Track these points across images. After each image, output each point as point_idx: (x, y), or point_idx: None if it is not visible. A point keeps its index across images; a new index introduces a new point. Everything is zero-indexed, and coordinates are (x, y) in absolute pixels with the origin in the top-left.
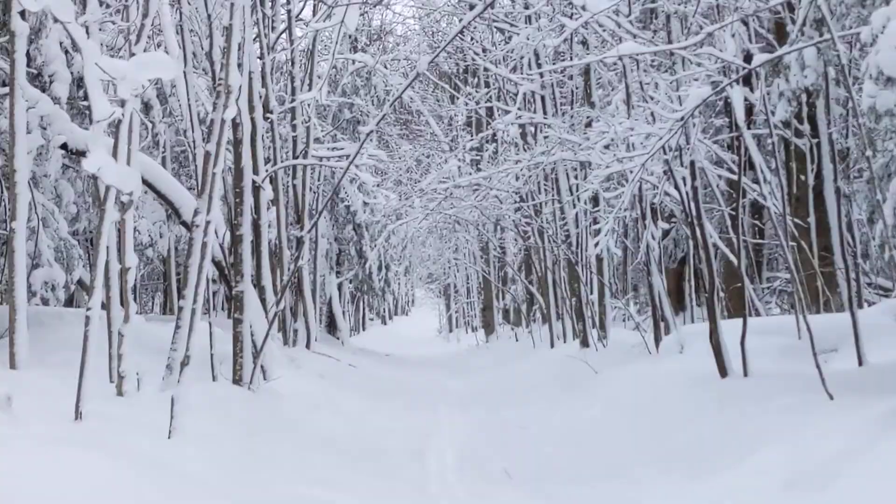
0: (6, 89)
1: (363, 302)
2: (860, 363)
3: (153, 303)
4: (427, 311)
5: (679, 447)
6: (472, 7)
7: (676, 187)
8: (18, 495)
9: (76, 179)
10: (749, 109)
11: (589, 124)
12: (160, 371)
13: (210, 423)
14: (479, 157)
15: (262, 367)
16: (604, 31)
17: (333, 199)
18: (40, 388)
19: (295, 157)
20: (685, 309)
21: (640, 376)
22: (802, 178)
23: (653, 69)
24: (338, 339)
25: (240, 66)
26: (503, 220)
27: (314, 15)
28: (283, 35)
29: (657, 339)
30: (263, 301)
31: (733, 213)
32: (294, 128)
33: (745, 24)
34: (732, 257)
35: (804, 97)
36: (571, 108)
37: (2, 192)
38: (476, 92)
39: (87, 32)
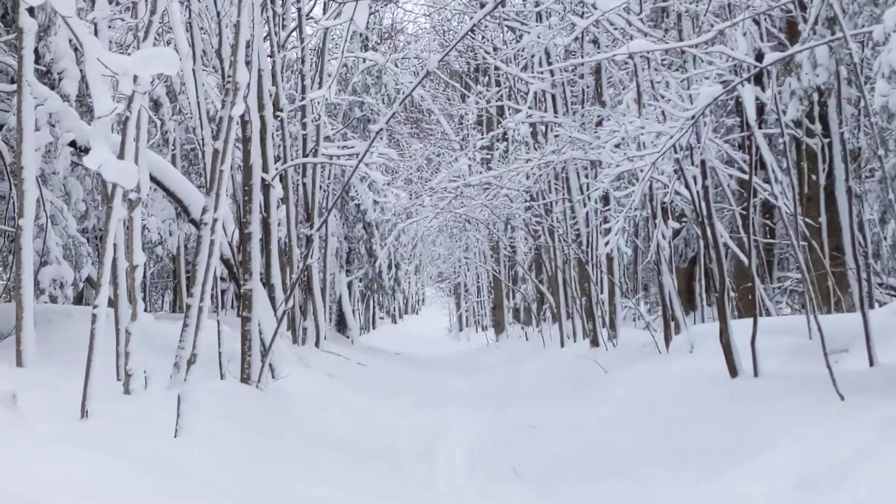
0: (15, 86)
1: (373, 301)
2: (871, 363)
3: (163, 301)
4: (437, 310)
5: (688, 447)
6: (482, 5)
7: (687, 186)
8: (21, 495)
9: (85, 177)
10: (760, 109)
11: (599, 123)
12: (168, 369)
13: (217, 421)
14: (489, 156)
15: (270, 365)
16: (615, 29)
17: (343, 197)
18: (47, 385)
19: (305, 156)
20: (695, 309)
21: (650, 376)
22: (814, 177)
23: (664, 68)
24: (347, 337)
25: (249, 63)
26: (513, 219)
27: (324, 13)
28: (294, 33)
29: (667, 339)
30: (273, 299)
31: (744, 212)
32: (304, 126)
33: (757, 22)
34: (743, 257)
35: (816, 96)
36: (582, 108)
37: (10, 189)
38: (487, 91)
39: (96, 30)
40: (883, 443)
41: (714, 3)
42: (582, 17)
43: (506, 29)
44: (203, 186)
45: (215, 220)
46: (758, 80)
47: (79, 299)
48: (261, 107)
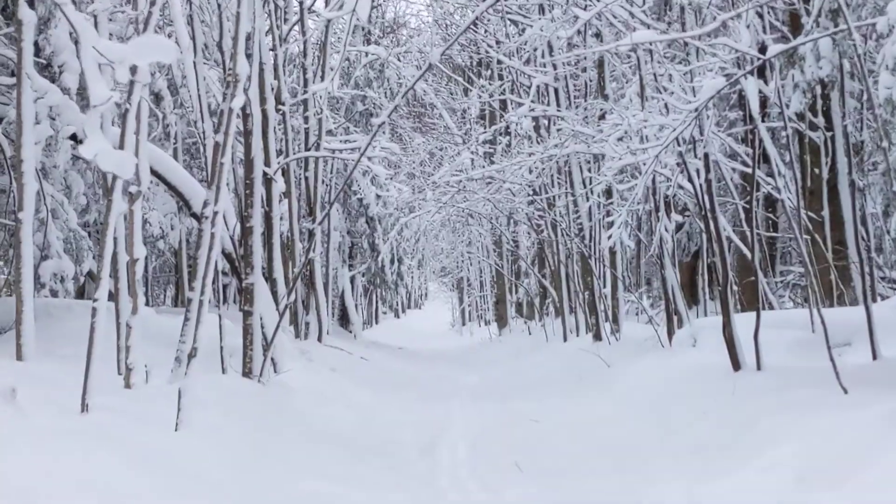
0: (14, 79)
1: (376, 295)
2: (874, 357)
3: (165, 296)
4: (440, 305)
5: (691, 442)
6: None
7: (690, 180)
8: (20, 489)
9: (86, 171)
10: (763, 102)
11: (602, 117)
12: (170, 363)
13: (218, 415)
14: (492, 150)
15: (272, 359)
16: (617, 20)
17: (346, 191)
18: (47, 379)
19: (307, 150)
20: (698, 303)
21: (652, 370)
22: (816, 171)
23: (666, 60)
24: (350, 332)
25: (249, 56)
26: (516, 214)
27: (326, 5)
28: (296, 27)
29: (670, 333)
30: (275, 294)
31: (747, 206)
32: (306, 120)
33: (760, 15)
34: (746, 251)
35: (819, 89)
36: (585, 101)
37: (10, 183)
38: (489, 84)
39: (96, 22)
40: (887, 437)
41: None
42: (585, 9)
43: (508, 22)
44: (205, 180)
45: (216, 213)
46: (760, 73)
47: (80, 293)
48: (262, 100)
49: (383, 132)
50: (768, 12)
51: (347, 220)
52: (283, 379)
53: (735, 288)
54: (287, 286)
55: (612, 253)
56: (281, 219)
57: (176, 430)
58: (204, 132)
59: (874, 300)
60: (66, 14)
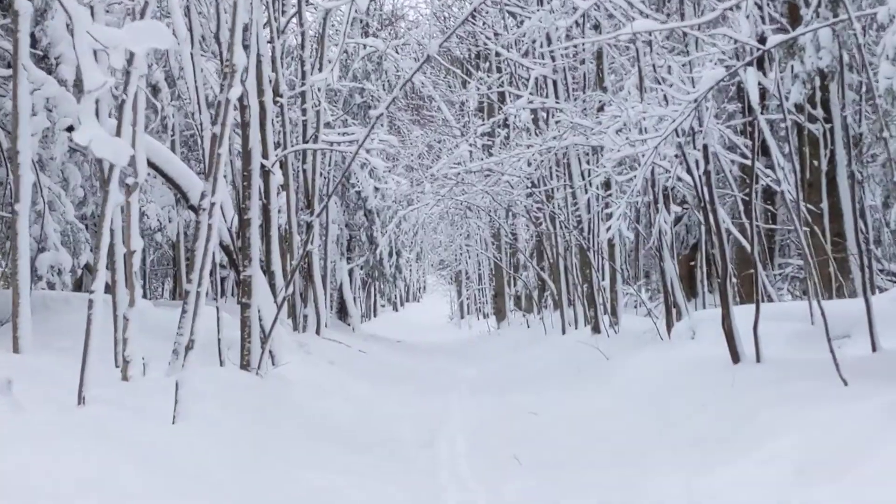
0: (10, 70)
1: (374, 288)
2: (874, 349)
3: (163, 288)
4: (438, 298)
5: (690, 434)
6: None
7: (689, 171)
8: (16, 482)
9: (83, 163)
10: (761, 95)
11: (601, 109)
12: (168, 356)
13: (216, 408)
14: (490, 143)
15: (270, 352)
16: (617, 10)
17: (344, 184)
18: (44, 372)
19: (305, 142)
20: (697, 295)
21: (651, 362)
22: (815, 163)
23: (665, 51)
24: (348, 325)
25: (247, 47)
26: (515, 206)
27: None
28: (294, 19)
29: (669, 326)
30: (273, 286)
31: (746, 198)
32: (304, 112)
33: (759, 6)
34: (745, 243)
35: (818, 81)
36: (584, 93)
37: (7, 175)
38: (488, 77)
39: (93, 12)
40: (887, 429)
41: None
42: None
43: (507, 14)
44: (202, 173)
45: (213, 205)
46: (759, 65)
47: (77, 286)
48: (260, 92)
49: (381, 124)
50: (768, 3)
51: (346, 212)
52: (282, 371)
53: (734, 280)
54: (285, 279)
55: (611, 245)
56: (279, 211)
57: (173, 422)
58: (201, 124)
59: (873, 292)
60: (61, 1)
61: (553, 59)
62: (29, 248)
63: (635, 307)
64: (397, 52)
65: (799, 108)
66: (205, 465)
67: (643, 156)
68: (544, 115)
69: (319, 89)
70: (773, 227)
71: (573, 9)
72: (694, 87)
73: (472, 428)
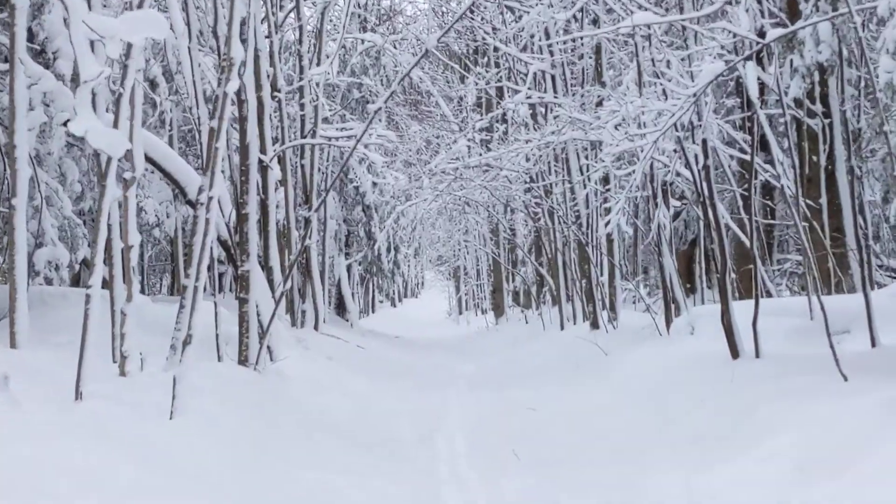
0: (8, 65)
1: (372, 284)
2: (873, 345)
3: (161, 284)
4: (437, 294)
5: (690, 431)
6: None
7: (688, 166)
8: (12, 477)
9: (81, 158)
10: (760, 90)
11: (600, 104)
12: (166, 352)
13: (213, 403)
14: (489, 138)
15: (268, 347)
16: (616, 2)
17: (342, 179)
18: (41, 368)
19: (303, 137)
20: (695, 291)
21: (651, 358)
22: (814, 158)
23: (664, 45)
24: (346, 320)
25: (244, 41)
26: (513, 201)
27: None
28: (292, 14)
29: (668, 321)
30: (271, 282)
31: (745, 193)
32: (302, 107)
33: (759, 0)
34: (744, 238)
35: (817, 75)
36: (582, 88)
37: (4, 170)
38: (486, 72)
39: (90, 6)
40: (887, 426)
41: None
42: None
43: (505, 9)
44: (200, 168)
45: (211, 199)
46: (758, 60)
47: (75, 281)
48: (258, 87)
49: (379, 120)
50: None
51: (344, 208)
52: (280, 367)
53: (733, 275)
54: (283, 274)
55: (610, 241)
56: (277, 207)
57: (171, 418)
58: (199, 118)
59: (872, 288)
60: None
61: (552, 53)
62: (26, 243)
63: (633, 303)
64: (395, 48)
65: (798, 102)
66: (203, 463)
67: (642, 150)
68: (543, 110)
69: (318, 84)
70: (772, 222)
71: (571, 2)
72: (693, 81)
73: (471, 425)
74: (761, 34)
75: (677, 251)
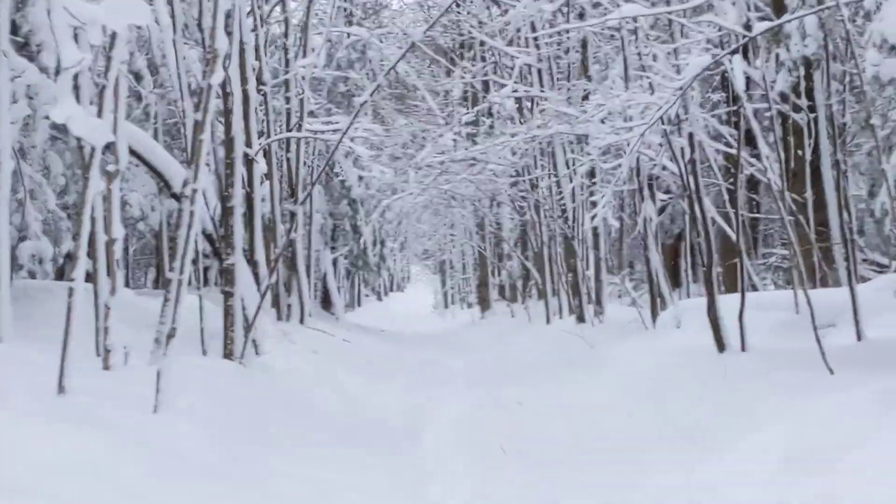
0: None
1: (358, 278)
2: (859, 338)
3: (146, 278)
4: (423, 288)
5: (676, 425)
6: None
7: (674, 160)
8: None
9: (65, 151)
10: (746, 84)
11: (586, 97)
12: (150, 346)
13: (198, 397)
14: (475, 132)
15: (253, 341)
16: None
17: (328, 173)
18: (25, 361)
19: (288, 130)
20: (681, 285)
21: (637, 352)
22: (800, 152)
23: (650, 39)
24: (332, 314)
25: (230, 33)
26: (499, 195)
27: None
28: (277, 7)
29: (654, 315)
30: (256, 275)
31: (731, 187)
32: (287, 100)
33: None
34: (730, 231)
35: (803, 70)
36: (568, 82)
37: None
38: (472, 66)
39: None
40: (874, 421)
41: None
42: None
43: (491, 2)
44: (185, 161)
45: (195, 192)
46: (744, 54)
47: (59, 275)
48: (243, 80)
49: (365, 113)
50: None
51: (329, 202)
52: (265, 361)
53: (718, 270)
54: (269, 267)
55: (596, 234)
56: (263, 200)
57: (155, 412)
58: (184, 111)
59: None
60: None
61: (538, 47)
62: (9, 236)
63: (619, 297)
64: (381, 42)
65: (784, 97)
66: (186, 452)
67: (628, 144)
68: (529, 104)
69: (303, 78)
70: (757, 216)
71: None
72: (679, 74)
73: (458, 418)
74: (748, 27)
75: (663, 245)
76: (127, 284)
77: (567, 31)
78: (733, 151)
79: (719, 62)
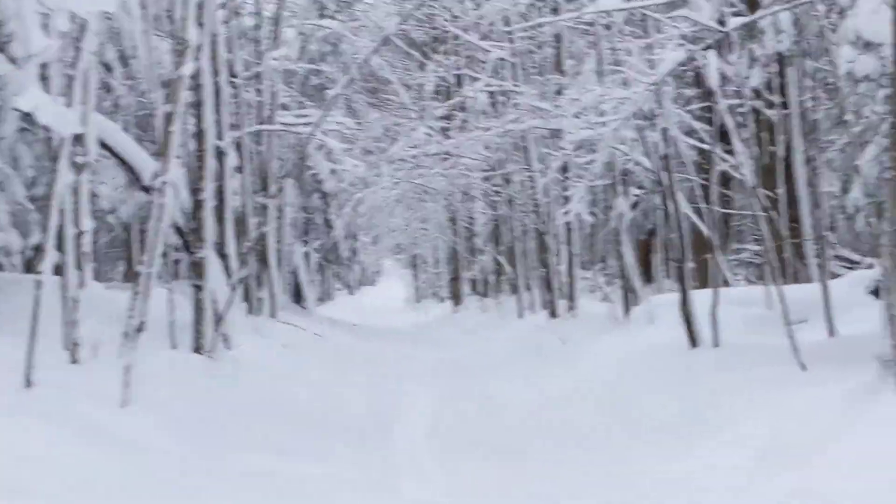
0: None
1: (330, 272)
2: (831, 334)
3: (116, 271)
4: (395, 282)
5: (650, 419)
6: None
7: (647, 155)
8: None
9: (34, 143)
10: (720, 80)
11: (560, 92)
12: (119, 339)
13: (167, 391)
14: (448, 126)
15: (224, 335)
16: None
17: (300, 167)
18: None
19: (260, 123)
20: (653, 281)
21: (610, 347)
22: (773, 149)
23: (624, 34)
24: (304, 308)
25: (201, 24)
26: (472, 190)
27: None
28: None
29: (627, 310)
30: (227, 269)
31: (705, 182)
32: (259, 93)
33: None
34: (703, 227)
35: (776, 66)
36: (542, 77)
37: None
38: (446, 59)
39: None
40: (847, 416)
41: None
42: None
43: None
44: (156, 154)
45: (165, 184)
46: (718, 50)
47: (28, 268)
48: (215, 72)
49: (338, 107)
50: None
51: (301, 195)
52: (235, 354)
53: (691, 265)
54: (240, 261)
55: (569, 230)
56: (234, 193)
57: (123, 406)
58: (155, 103)
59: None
60: None
61: (511, 41)
62: None
63: (591, 292)
64: (354, 35)
65: (757, 93)
66: (154, 445)
67: (602, 138)
68: (502, 98)
69: (276, 70)
70: (729, 211)
71: None
72: (653, 70)
73: (429, 412)
74: (722, 23)
75: (636, 241)
76: (96, 277)
77: (541, 26)
78: (707, 147)
79: (693, 57)
